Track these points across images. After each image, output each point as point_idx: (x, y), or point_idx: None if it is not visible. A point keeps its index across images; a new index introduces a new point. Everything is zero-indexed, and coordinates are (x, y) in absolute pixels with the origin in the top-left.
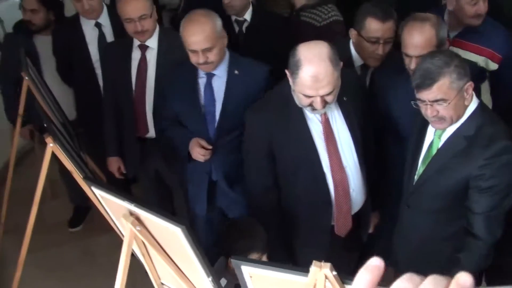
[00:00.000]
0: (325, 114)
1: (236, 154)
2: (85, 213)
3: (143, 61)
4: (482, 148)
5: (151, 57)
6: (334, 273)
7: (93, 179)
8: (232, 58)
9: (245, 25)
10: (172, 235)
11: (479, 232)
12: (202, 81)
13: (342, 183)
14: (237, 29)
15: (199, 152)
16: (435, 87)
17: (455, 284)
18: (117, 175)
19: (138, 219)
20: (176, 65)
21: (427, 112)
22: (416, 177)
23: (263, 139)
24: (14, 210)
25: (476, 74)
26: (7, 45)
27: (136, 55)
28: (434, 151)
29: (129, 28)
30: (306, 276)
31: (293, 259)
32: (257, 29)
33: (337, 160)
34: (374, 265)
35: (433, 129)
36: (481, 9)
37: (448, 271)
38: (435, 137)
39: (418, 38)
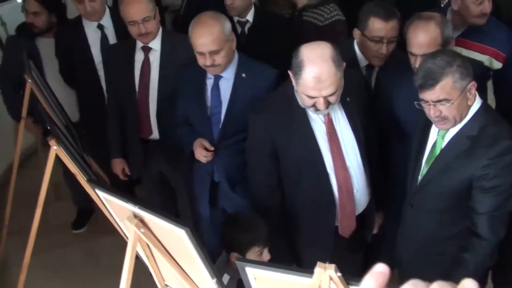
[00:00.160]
0: (328, 114)
1: (240, 157)
2: (89, 215)
3: (146, 63)
4: (486, 148)
5: (154, 59)
6: (339, 274)
7: (97, 182)
8: (241, 61)
9: (247, 26)
10: (176, 237)
11: (483, 232)
12: (209, 82)
13: (346, 183)
14: (239, 30)
15: (201, 153)
16: (438, 87)
17: None
18: (121, 176)
19: (142, 221)
20: (187, 64)
21: (430, 112)
22: (419, 177)
23: (266, 140)
24: (17, 212)
25: (483, 73)
26: (10, 48)
27: (139, 57)
28: (437, 151)
29: (133, 30)
30: (311, 277)
31: (297, 260)
32: (259, 30)
33: (341, 160)
34: (379, 272)
35: (437, 129)
36: (486, 8)
37: (452, 271)
38: (438, 137)
39: (423, 37)
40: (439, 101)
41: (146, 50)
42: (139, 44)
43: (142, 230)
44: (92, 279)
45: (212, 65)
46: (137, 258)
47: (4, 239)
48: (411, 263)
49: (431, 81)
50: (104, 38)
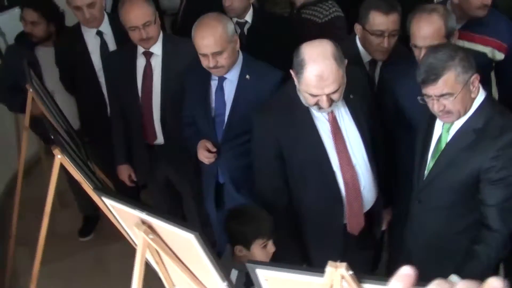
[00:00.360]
0: (332, 112)
1: (244, 158)
2: (95, 222)
3: (148, 68)
4: (493, 140)
5: (156, 63)
6: (350, 272)
7: (103, 189)
8: (246, 62)
9: (246, 26)
10: (185, 242)
11: (494, 224)
12: (214, 83)
13: (353, 181)
14: (238, 31)
15: (204, 154)
16: (441, 81)
17: None
18: (128, 183)
19: (150, 227)
20: (193, 66)
21: (434, 107)
22: (426, 172)
23: (271, 141)
24: (23, 221)
25: (487, 65)
26: (9, 57)
27: (141, 62)
28: (443, 145)
29: (134, 36)
30: (322, 276)
31: (307, 260)
32: (259, 30)
33: (347, 158)
34: (405, 274)
35: (441, 123)
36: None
37: (465, 264)
38: (443, 131)
39: (426, 29)
40: (442, 95)
41: (148, 55)
42: (140, 50)
43: (151, 236)
44: (103, 286)
45: (215, 67)
46: (146, 263)
47: (12, 249)
48: (420, 259)
49: (433, 76)
50: (103, 45)
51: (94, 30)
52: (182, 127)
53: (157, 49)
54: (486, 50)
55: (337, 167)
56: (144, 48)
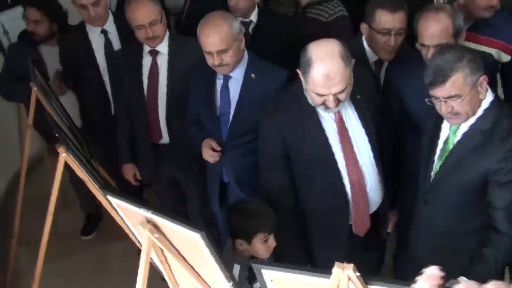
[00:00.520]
0: (339, 112)
1: (249, 157)
2: (97, 220)
3: (154, 67)
4: (501, 142)
5: (162, 62)
6: (357, 274)
7: (109, 188)
8: (251, 61)
9: (251, 26)
10: (190, 241)
11: (502, 227)
12: (219, 82)
13: (359, 182)
14: (243, 30)
15: (208, 153)
16: (449, 83)
17: None
18: (133, 182)
19: (155, 226)
20: (198, 65)
21: (442, 109)
22: (432, 174)
23: (277, 141)
24: (25, 220)
25: (493, 66)
26: (12, 55)
27: (147, 61)
28: (450, 147)
29: (140, 34)
30: (328, 277)
31: (312, 261)
32: (263, 30)
33: (353, 159)
34: (432, 274)
35: (448, 124)
36: (493, 1)
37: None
38: (450, 133)
39: (434, 27)
40: (450, 97)
41: (154, 54)
42: (147, 48)
43: (156, 235)
44: (105, 286)
45: (220, 65)
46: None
47: (14, 248)
48: (426, 260)
49: (441, 77)
50: (108, 43)
51: (99, 29)
52: (187, 126)
53: (163, 48)
54: (492, 51)
55: (343, 167)
56: (150, 47)
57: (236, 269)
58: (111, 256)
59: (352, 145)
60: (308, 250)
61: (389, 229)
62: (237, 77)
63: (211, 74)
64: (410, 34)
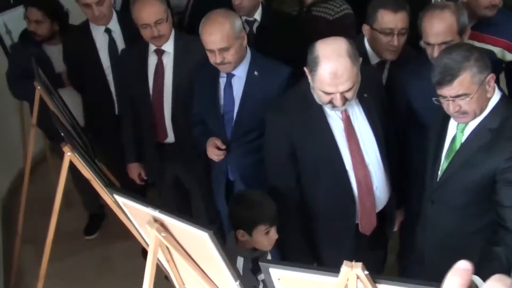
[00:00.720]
0: (345, 111)
1: (254, 155)
2: (100, 220)
3: (160, 66)
4: (509, 140)
5: (168, 61)
6: (366, 272)
7: (115, 187)
8: (254, 59)
9: (255, 25)
10: (198, 240)
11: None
12: (222, 80)
13: (365, 180)
14: (247, 29)
15: (213, 151)
16: (456, 82)
17: None
18: (138, 181)
19: (162, 225)
20: (202, 63)
21: (450, 108)
22: (439, 173)
23: (284, 139)
24: (28, 220)
25: (495, 65)
26: (16, 54)
27: (152, 60)
28: (457, 145)
29: (146, 33)
30: (336, 276)
31: (317, 259)
32: (268, 28)
33: (359, 157)
34: (463, 268)
35: (455, 123)
36: None
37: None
38: (457, 131)
39: (439, 25)
40: (458, 96)
41: (159, 53)
42: (152, 47)
43: (163, 234)
44: (108, 286)
45: (222, 63)
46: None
47: (18, 248)
48: (433, 259)
49: (449, 77)
50: (111, 42)
51: (103, 28)
52: (191, 125)
53: (168, 47)
54: (496, 50)
55: (349, 166)
56: (155, 46)
57: (240, 261)
58: (114, 256)
59: (358, 144)
60: (313, 249)
61: (396, 228)
62: (240, 75)
63: (215, 73)
64: (413, 35)
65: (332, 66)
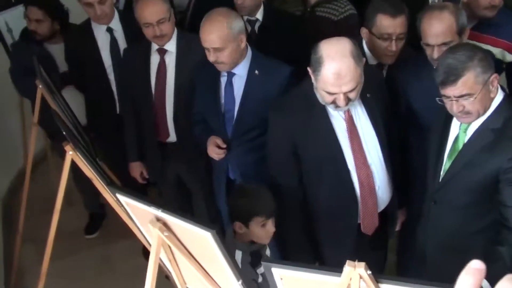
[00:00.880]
0: (348, 111)
1: (255, 154)
2: (100, 219)
3: (162, 65)
4: (511, 140)
5: (170, 60)
6: (369, 272)
7: (117, 186)
8: (254, 58)
9: (257, 24)
10: (200, 240)
11: None
12: (223, 79)
13: (368, 180)
14: (249, 29)
15: (213, 150)
16: (460, 82)
17: None
18: (140, 180)
19: (165, 224)
20: (203, 62)
21: (453, 108)
22: (442, 173)
23: (287, 139)
24: (29, 218)
25: (495, 65)
26: (17, 53)
27: (155, 59)
28: (460, 145)
29: (148, 32)
30: (339, 276)
31: (319, 259)
32: (270, 28)
33: (362, 157)
34: (476, 268)
35: (458, 123)
36: (495, 0)
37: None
38: (460, 131)
39: (438, 26)
40: (462, 96)
41: (162, 52)
42: (155, 46)
43: (166, 233)
44: (109, 285)
45: (216, 62)
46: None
47: (18, 247)
48: (435, 259)
49: (453, 77)
50: (113, 41)
51: (104, 27)
52: (193, 124)
53: (171, 46)
54: (496, 51)
55: (352, 166)
56: (158, 45)
57: (238, 255)
58: (115, 255)
59: (361, 144)
60: (315, 248)
61: (397, 228)
62: (241, 73)
63: (216, 72)
64: (412, 36)
65: (335, 67)
